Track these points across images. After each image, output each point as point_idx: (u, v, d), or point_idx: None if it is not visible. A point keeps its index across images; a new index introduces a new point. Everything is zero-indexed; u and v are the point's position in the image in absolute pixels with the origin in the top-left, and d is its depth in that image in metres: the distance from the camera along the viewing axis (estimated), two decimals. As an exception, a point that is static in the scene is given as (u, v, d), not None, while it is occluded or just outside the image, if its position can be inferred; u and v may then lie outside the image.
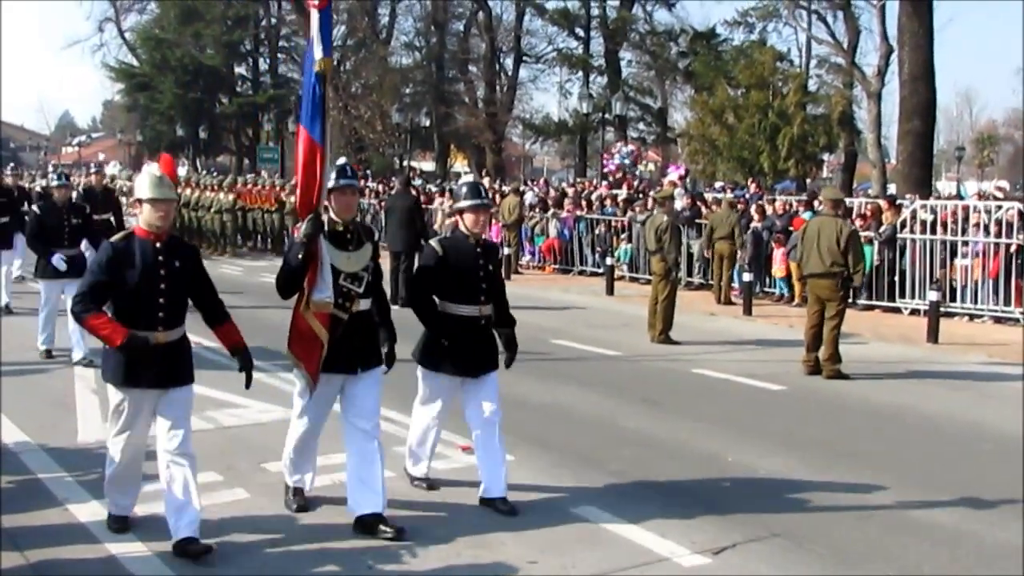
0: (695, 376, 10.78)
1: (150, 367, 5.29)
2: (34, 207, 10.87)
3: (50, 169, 22.55)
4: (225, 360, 10.75)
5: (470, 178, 6.58)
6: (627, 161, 30.73)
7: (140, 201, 5.38)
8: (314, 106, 5.70)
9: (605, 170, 30.66)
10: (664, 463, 7.27)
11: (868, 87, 32.73)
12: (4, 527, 5.66)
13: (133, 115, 55.51)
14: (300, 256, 5.56)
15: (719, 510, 6.22)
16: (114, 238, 5.45)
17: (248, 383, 5.65)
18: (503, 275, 7.06)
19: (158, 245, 5.38)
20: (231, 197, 25.66)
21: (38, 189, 17.30)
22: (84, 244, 11.14)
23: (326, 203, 5.76)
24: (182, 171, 28.74)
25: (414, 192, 19.76)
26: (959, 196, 25.66)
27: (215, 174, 31.86)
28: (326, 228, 5.68)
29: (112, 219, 14.72)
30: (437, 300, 6.27)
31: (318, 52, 5.66)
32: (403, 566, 5.22)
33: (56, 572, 5.12)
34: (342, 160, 5.87)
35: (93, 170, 16.41)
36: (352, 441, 5.83)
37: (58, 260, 10.47)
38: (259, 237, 26.70)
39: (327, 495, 6.29)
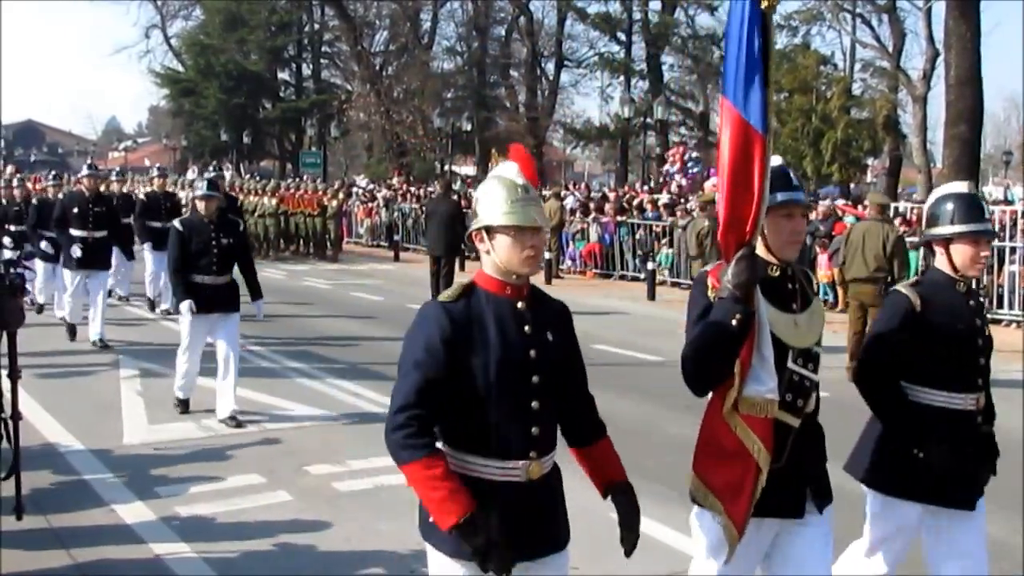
0: (737, 382, 10.69)
1: (510, 525, 3.06)
2: (175, 223, 8.49)
3: (193, 172, 17.44)
4: (268, 362, 10.89)
5: (961, 187, 4.24)
6: (699, 168, 30.31)
7: (487, 230, 3.10)
8: (749, 67, 3.25)
9: (680, 181, 29.67)
10: (706, 470, 7.21)
11: (913, 91, 32.36)
12: (51, 527, 5.75)
13: (178, 120, 56.15)
14: (737, 321, 3.23)
15: (761, 518, 6.17)
16: (444, 295, 3.14)
17: (628, 548, 3.48)
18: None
19: (520, 306, 3.11)
20: (274, 201, 25.92)
21: (141, 196, 15.25)
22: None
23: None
24: (226, 175, 28.93)
25: (455, 196, 19.85)
26: (1007, 201, 25.31)
27: (258, 179, 32.16)
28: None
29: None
30: (905, 385, 4.11)
31: None
32: (444, 570, 5.22)
33: (102, 572, 5.18)
34: (777, 160, 3.48)
35: (212, 173, 13.71)
36: None
37: (187, 307, 8.19)
38: (301, 241, 26.88)
39: (368, 498, 6.31)
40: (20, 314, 5.43)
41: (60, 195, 13.45)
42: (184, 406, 8.61)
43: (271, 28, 51.32)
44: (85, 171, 12.79)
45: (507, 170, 3.21)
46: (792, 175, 3.60)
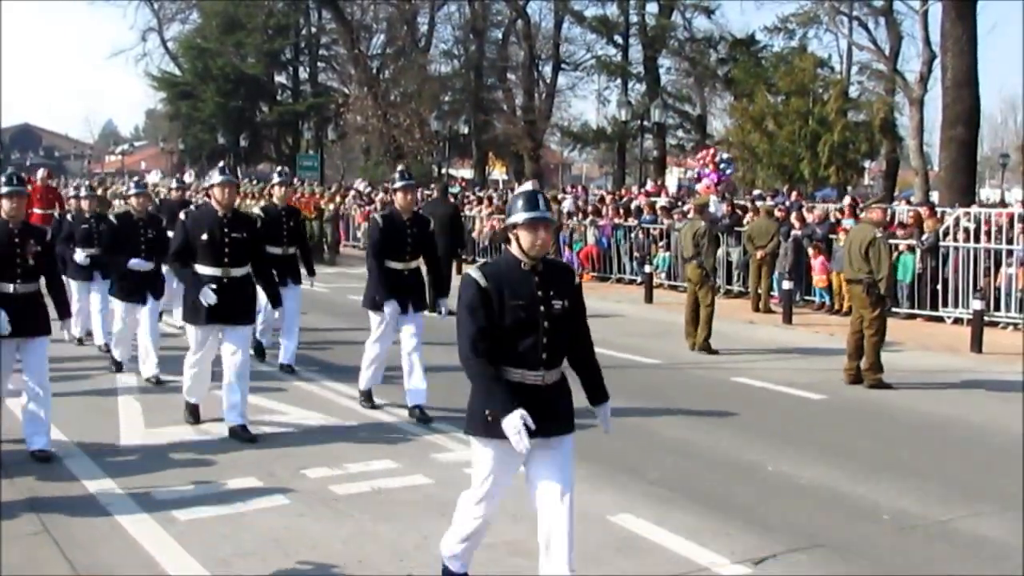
0: (735, 385, 10.71)
1: None
2: (375, 215, 5.93)
3: (191, 176, 11.98)
4: (265, 365, 10.86)
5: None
6: (731, 169, 29.90)
7: None
8: None
9: (715, 183, 28.90)
10: (704, 472, 7.22)
11: (910, 93, 32.38)
12: (48, 531, 5.73)
13: (175, 124, 56.14)
14: None
15: (759, 520, 6.17)
16: None
17: None
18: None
19: None
20: (271, 204, 25.92)
21: (257, 211, 11.27)
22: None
23: None
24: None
25: (452, 199, 19.86)
26: (1003, 204, 25.35)
27: (256, 182, 32.15)
28: None
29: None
30: None
31: None
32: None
33: (99, 574, 5.17)
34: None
35: (364, 187, 10.11)
36: None
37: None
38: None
39: (366, 501, 6.31)
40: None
41: (180, 211, 8.90)
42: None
43: (268, 31, 51.33)
44: (217, 177, 8.14)
45: None
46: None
